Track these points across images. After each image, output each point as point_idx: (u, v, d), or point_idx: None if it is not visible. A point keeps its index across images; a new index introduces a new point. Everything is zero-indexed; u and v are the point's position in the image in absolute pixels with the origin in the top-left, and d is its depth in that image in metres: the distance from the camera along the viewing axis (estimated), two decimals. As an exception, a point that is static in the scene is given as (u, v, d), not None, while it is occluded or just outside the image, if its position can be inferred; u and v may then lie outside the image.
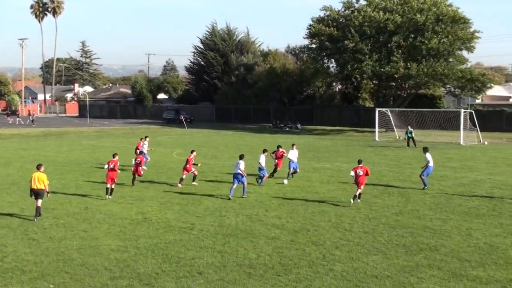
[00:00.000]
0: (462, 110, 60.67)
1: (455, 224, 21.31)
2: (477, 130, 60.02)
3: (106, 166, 26.68)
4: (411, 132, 54.76)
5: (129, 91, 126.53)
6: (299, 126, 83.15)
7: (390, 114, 66.56)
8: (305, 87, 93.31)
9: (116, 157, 26.97)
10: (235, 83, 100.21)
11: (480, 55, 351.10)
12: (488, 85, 73.22)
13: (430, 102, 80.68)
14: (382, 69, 70.58)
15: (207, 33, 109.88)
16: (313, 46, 78.80)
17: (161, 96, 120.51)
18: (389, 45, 72.96)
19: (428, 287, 14.62)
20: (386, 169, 36.74)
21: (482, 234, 19.82)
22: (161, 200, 25.93)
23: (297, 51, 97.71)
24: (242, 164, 26.39)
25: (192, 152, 31.47)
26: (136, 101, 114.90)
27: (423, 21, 70.25)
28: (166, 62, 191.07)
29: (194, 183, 30.06)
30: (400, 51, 71.85)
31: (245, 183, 26.56)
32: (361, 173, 25.04)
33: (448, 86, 76.82)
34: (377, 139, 62.05)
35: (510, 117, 74.57)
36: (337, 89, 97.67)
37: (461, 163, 40.41)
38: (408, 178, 32.73)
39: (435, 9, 71.05)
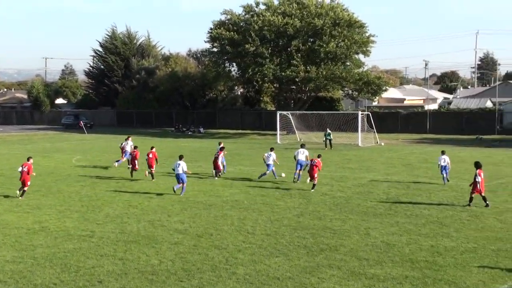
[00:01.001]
0: (360, 112, 62.13)
1: (354, 224, 21.76)
2: (374, 132, 61.35)
3: (20, 169, 27.82)
4: (329, 134, 55.65)
5: (25, 96, 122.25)
6: (201, 130, 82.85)
7: (291, 117, 67.23)
8: (207, 90, 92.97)
9: (31, 160, 28.22)
10: (136, 87, 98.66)
11: (376, 59, 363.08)
12: (384, 88, 74.92)
13: (330, 105, 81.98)
14: (283, 73, 71.03)
15: (107, 36, 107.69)
16: (214, 50, 78.26)
17: (60, 101, 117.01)
18: (289, 49, 73.51)
19: (328, 286, 14.83)
20: (287, 171, 37.18)
21: (379, 233, 20.34)
22: (59, 208, 25.22)
23: (199, 55, 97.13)
24: (184, 164, 28.08)
25: (152, 148, 34.56)
26: (33, 107, 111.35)
27: (321, 25, 71.16)
28: (65, 66, 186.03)
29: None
30: (299, 54, 72.49)
31: (185, 184, 28.06)
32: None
33: (346, 89, 78.07)
34: (279, 141, 62.50)
35: (405, 119, 76.80)
36: (239, 93, 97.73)
37: (359, 164, 41.26)
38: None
39: (332, 14, 72.14)
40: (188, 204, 25.78)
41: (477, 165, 25.34)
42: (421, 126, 75.01)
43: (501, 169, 38.68)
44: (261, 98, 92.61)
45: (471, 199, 25.15)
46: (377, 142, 59.97)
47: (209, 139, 69.22)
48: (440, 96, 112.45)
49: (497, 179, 33.46)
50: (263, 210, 24.50)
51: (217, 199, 27.19)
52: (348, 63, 75.34)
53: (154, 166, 33.48)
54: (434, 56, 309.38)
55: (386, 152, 50.66)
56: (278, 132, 65.31)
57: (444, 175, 31.44)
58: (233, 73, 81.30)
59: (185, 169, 28.13)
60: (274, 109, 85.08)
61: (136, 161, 34.72)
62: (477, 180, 24.76)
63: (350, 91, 78.23)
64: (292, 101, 78.91)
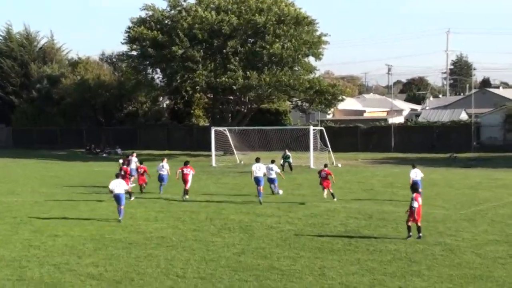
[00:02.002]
0: (312, 127, 62.56)
1: (306, 262, 21.69)
2: (329, 151, 62.11)
3: None
4: (288, 157, 56.19)
5: None
6: (119, 150, 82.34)
7: (228, 134, 67.44)
8: (125, 103, 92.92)
9: None
10: (37, 99, 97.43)
11: (330, 63, 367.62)
12: (340, 98, 75.99)
13: (275, 119, 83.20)
14: (217, 79, 71.07)
15: (0, 37, 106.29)
16: (134, 53, 77.90)
17: None
18: (224, 51, 73.88)
19: None
20: (226, 199, 37.12)
21: (337, 272, 20.29)
22: None
23: (115, 59, 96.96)
24: (123, 182, 31.48)
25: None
26: None
27: (263, 23, 71.57)
28: None
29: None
30: (237, 58, 72.89)
31: (123, 206, 30.60)
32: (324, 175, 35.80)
33: (294, 99, 78.97)
34: (214, 164, 62.66)
35: (366, 135, 78.11)
36: (165, 105, 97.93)
37: (311, 190, 41.24)
38: (252, 210, 33.18)
39: (276, 9, 72.80)
40: (103, 243, 25.35)
41: (414, 189, 25.65)
42: (384, 143, 76.30)
43: (479, 193, 39.32)
44: (192, 111, 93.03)
45: (408, 228, 25.32)
46: (333, 163, 60.30)
47: None
48: (407, 107, 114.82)
49: (475, 205, 34.04)
50: (195, 248, 24.25)
51: (138, 235, 26.84)
52: (296, 68, 76.03)
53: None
54: (398, 60, 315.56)
55: (344, 175, 50.87)
56: (213, 152, 65.14)
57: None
58: (157, 81, 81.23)
59: (127, 187, 31.87)
60: (207, 124, 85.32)
61: (144, 176, 41.90)
62: (413, 206, 24.98)
63: (299, 102, 79.18)
64: (230, 115, 79.43)
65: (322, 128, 65.85)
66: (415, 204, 24.85)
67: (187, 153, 78.70)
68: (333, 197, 36.10)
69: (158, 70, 79.11)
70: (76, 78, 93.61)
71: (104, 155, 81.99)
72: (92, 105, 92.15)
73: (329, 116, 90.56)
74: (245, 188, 42.92)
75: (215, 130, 66.79)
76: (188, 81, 72.45)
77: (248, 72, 71.25)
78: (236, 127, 70.62)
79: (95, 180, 48.96)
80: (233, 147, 66.85)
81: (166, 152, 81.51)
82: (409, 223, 25.19)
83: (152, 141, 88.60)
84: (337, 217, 30.69)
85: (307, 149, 61.15)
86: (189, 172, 38.66)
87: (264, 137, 67.35)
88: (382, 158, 68.20)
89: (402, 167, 55.91)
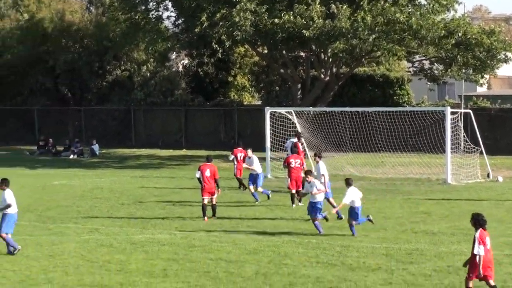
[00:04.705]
0: (449, 109, 61.19)
1: None
2: (482, 151, 61.54)
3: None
4: None
5: None
6: (95, 148, 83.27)
7: (296, 120, 66.41)
8: (110, 63, 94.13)
9: None
10: None
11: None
12: (502, 56, 74.39)
13: (382, 93, 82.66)
14: (275, 20, 69.60)
15: None
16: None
17: None
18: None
19: None
20: (289, 237, 36.85)
21: None
22: None
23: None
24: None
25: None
26: None
27: None
28: None
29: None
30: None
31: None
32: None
33: (417, 57, 78.85)
34: (269, 175, 62.81)
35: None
36: (181, 67, 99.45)
37: (451, 228, 40.63)
38: (335, 259, 32.85)
39: None
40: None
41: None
42: None
43: None
44: (230, 80, 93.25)
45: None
46: (488, 175, 60.30)
47: (116, 172, 70.81)
48: None
49: None
50: None
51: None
52: (422, 1, 74.88)
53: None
54: None
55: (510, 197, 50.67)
56: (268, 153, 65.29)
57: None
58: (167, 23, 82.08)
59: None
60: (259, 102, 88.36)
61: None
62: None
63: (426, 63, 78.82)
64: (299, 86, 78.79)
65: (469, 110, 65.67)
66: None
67: (220, 153, 76.92)
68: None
69: (169, 4, 79.18)
70: (21, 18, 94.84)
71: (72, 156, 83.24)
72: (50, 68, 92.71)
73: (482, 89, 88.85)
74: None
75: (272, 113, 67.06)
76: (222, 23, 71.31)
77: (332, 6, 69.38)
78: (311, 108, 70.60)
79: (55, 201, 51.37)
80: (304, 144, 63.97)
81: (183, 152, 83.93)
82: None
83: (156, 132, 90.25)
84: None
85: (438, 149, 62.22)
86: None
87: (362, 127, 67.43)
88: None
89: None
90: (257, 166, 50.05)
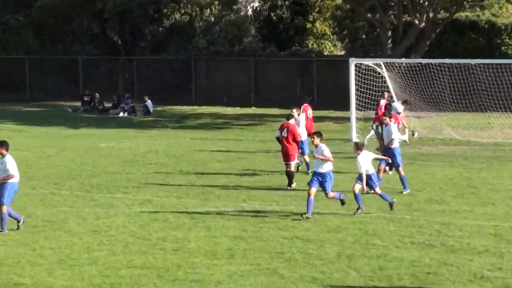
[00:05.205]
0: None
1: None
2: None
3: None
4: None
5: None
6: (149, 104, 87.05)
7: (386, 74, 67.30)
8: (167, 7, 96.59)
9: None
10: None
11: None
12: None
13: (487, 43, 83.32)
14: None
15: None
16: None
17: None
18: None
19: None
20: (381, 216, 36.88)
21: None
22: None
23: None
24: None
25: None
26: None
27: None
28: None
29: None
30: None
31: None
32: None
33: None
34: (354, 137, 63.82)
35: None
36: (250, 11, 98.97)
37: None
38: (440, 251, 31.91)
39: None
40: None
41: None
42: None
43: None
44: (309, 26, 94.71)
45: None
46: None
47: (173, 133, 74.04)
48: None
49: None
50: None
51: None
52: None
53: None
54: None
55: None
56: (353, 112, 64.98)
57: None
58: None
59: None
60: (342, 53, 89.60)
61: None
62: None
63: None
64: (389, 34, 79.23)
65: None
66: None
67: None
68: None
69: None
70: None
71: (121, 114, 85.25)
72: (97, 11, 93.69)
73: None
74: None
75: (358, 65, 66.69)
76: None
77: None
78: (403, 59, 70.72)
79: (104, 165, 54.25)
80: (395, 100, 63.67)
81: (251, 110, 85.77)
82: None
83: (220, 86, 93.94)
84: None
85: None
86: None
87: (464, 82, 67.55)
88: None
89: None
90: (302, 132, 49.71)
